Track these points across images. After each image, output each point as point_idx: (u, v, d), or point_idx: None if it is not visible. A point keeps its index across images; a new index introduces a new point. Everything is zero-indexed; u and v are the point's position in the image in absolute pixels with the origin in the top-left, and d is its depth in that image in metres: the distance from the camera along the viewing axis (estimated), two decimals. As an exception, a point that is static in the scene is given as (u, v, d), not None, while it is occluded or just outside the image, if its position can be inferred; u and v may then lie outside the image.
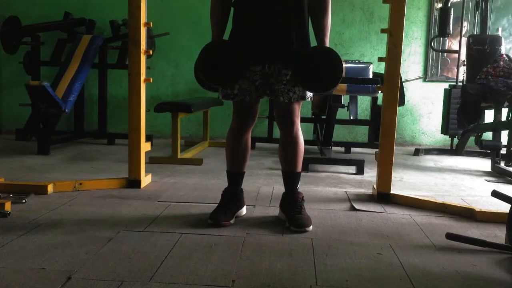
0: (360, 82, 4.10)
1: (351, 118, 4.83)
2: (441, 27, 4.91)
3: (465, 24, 5.07)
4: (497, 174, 3.83)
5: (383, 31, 2.72)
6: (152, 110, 3.91)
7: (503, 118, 4.25)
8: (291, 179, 2.35)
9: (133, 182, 2.95)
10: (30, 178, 3.10)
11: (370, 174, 3.58)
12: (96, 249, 1.86)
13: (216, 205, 2.33)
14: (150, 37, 4.59)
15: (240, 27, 2.24)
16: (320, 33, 2.23)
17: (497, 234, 2.21)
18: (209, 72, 2.17)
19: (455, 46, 5.20)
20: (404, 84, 5.05)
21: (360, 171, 3.66)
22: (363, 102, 5.35)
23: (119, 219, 2.30)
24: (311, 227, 2.20)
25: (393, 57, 2.68)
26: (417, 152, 4.78)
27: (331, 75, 2.13)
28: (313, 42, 2.26)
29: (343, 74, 2.22)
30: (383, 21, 5.16)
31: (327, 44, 2.23)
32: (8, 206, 2.31)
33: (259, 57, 2.18)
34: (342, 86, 4.16)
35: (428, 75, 5.38)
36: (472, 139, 4.58)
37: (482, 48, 4.59)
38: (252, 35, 2.19)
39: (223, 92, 2.26)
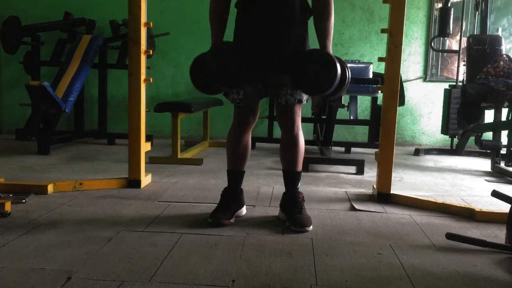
0: (360, 82, 4.10)
1: (351, 118, 4.83)
2: (441, 27, 4.91)
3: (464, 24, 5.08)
4: (497, 174, 3.83)
5: (383, 31, 2.72)
6: (152, 110, 3.91)
7: (503, 118, 4.25)
8: (291, 178, 2.36)
9: (133, 182, 2.95)
10: (30, 178, 3.10)
11: (370, 174, 3.58)
12: (96, 249, 1.86)
13: (216, 205, 2.33)
14: (150, 37, 4.59)
15: (243, 30, 2.23)
16: (322, 37, 2.20)
17: (497, 234, 2.21)
18: (218, 75, 2.17)
19: (455, 46, 5.21)
20: (404, 84, 5.05)
21: (360, 171, 3.66)
22: (363, 102, 5.35)
23: (119, 219, 2.30)
24: (311, 227, 2.20)
25: (393, 57, 2.68)
26: (417, 152, 4.78)
27: (324, 77, 2.10)
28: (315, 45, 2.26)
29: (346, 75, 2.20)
30: (383, 21, 5.16)
31: (330, 48, 2.19)
32: (8, 206, 2.31)
33: (262, 62, 2.19)
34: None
35: (428, 75, 5.38)
36: (472, 139, 4.58)
37: (482, 48, 4.59)
38: (255, 40, 2.19)
39: (230, 97, 2.29)
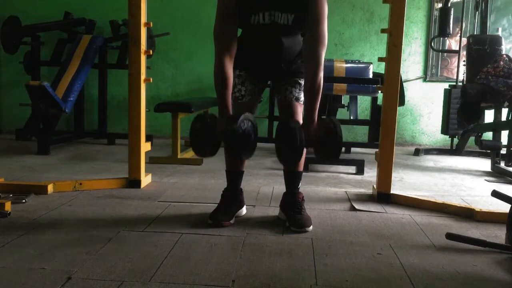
0: (360, 82, 4.11)
1: (351, 118, 4.83)
2: (441, 27, 4.91)
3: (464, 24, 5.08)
4: (497, 174, 3.83)
5: (383, 31, 2.72)
6: (152, 110, 3.91)
7: (503, 118, 4.25)
8: (292, 178, 2.35)
9: (133, 182, 2.95)
10: (30, 178, 3.10)
11: (370, 174, 3.58)
12: (96, 249, 1.86)
13: (216, 205, 2.33)
14: (150, 37, 4.59)
15: (243, 53, 2.24)
16: (307, 100, 2.14)
17: (497, 234, 2.21)
18: (240, 151, 2.11)
19: (455, 46, 5.21)
20: (404, 84, 5.06)
21: (360, 171, 3.66)
22: (363, 102, 5.35)
23: (119, 219, 2.30)
24: (311, 227, 2.20)
25: (393, 57, 2.68)
26: (417, 152, 4.78)
27: (292, 155, 2.09)
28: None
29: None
30: (383, 21, 5.16)
31: (314, 116, 2.12)
32: (8, 206, 2.31)
33: (262, 77, 2.28)
34: (342, 86, 4.17)
35: (428, 75, 5.39)
36: (472, 139, 4.58)
37: (482, 48, 4.59)
38: (255, 60, 2.26)
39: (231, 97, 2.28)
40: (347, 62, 4.40)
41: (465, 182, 3.49)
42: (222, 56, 2.11)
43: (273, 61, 2.24)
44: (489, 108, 4.40)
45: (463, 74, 4.72)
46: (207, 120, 2.14)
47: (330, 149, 2.09)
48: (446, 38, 5.22)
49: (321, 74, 2.10)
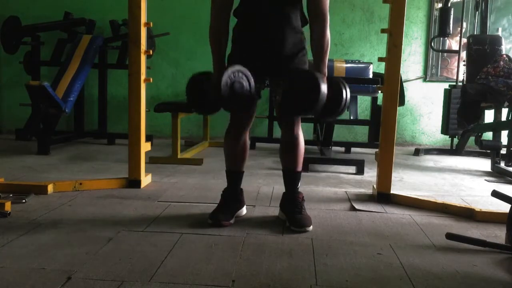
0: (360, 82, 4.11)
1: (351, 118, 4.83)
2: (441, 27, 4.91)
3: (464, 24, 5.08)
4: (497, 174, 3.83)
5: (383, 31, 2.72)
6: (152, 110, 3.91)
7: (503, 118, 4.25)
8: (291, 178, 2.35)
9: (133, 182, 2.95)
10: (30, 178, 3.10)
11: (370, 174, 3.58)
12: (96, 249, 1.86)
13: (216, 205, 2.33)
14: (150, 37, 4.59)
15: (242, 39, 2.22)
16: (315, 56, 2.15)
17: (497, 234, 2.21)
18: (233, 103, 2.08)
19: (455, 46, 5.21)
20: (404, 84, 5.05)
21: (360, 171, 3.66)
22: (363, 102, 5.35)
23: (119, 219, 2.30)
24: (311, 227, 2.20)
25: (393, 57, 2.68)
26: (417, 152, 4.78)
27: (305, 99, 2.03)
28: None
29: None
30: (383, 21, 5.16)
31: (323, 68, 2.12)
32: (8, 206, 2.31)
33: (261, 69, 2.20)
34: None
35: (428, 75, 5.39)
36: (472, 139, 4.58)
37: (482, 48, 4.59)
38: (254, 47, 2.20)
39: None
40: (347, 62, 4.40)
41: (465, 182, 3.49)
42: (219, 12, 2.13)
43: (272, 51, 2.17)
44: (489, 108, 4.40)
45: (463, 74, 4.72)
46: (201, 76, 2.17)
47: (336, 104, 2.06)
48: (446, 38, 5.22)
49: (328, 32, 2.12)
